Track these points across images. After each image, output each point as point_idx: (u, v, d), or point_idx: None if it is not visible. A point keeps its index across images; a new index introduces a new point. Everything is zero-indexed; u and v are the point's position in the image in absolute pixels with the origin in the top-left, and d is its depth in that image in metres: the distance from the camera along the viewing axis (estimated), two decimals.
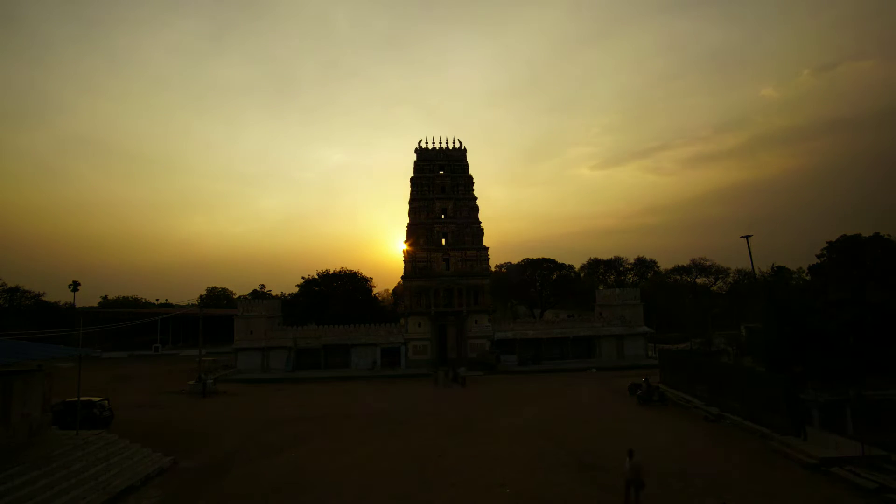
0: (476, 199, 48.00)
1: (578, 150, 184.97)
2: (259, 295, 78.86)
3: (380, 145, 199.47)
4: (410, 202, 47.47)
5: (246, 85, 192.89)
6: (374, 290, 71.90)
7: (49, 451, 15.21)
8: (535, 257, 74.08)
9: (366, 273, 67.39)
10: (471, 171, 48.67)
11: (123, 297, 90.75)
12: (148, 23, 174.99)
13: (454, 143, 49.17)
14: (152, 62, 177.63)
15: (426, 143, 48.86)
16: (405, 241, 46.84)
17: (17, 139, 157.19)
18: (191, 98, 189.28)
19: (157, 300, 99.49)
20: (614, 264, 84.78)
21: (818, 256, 59.41)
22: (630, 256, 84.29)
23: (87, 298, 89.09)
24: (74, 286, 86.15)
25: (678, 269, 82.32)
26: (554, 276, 73.56)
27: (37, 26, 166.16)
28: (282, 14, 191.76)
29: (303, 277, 66.02)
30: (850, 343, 25.67)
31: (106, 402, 23.65)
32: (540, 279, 72.91)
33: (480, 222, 47.46)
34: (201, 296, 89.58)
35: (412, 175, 48.14)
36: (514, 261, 76.74)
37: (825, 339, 24.54)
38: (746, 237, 38.76)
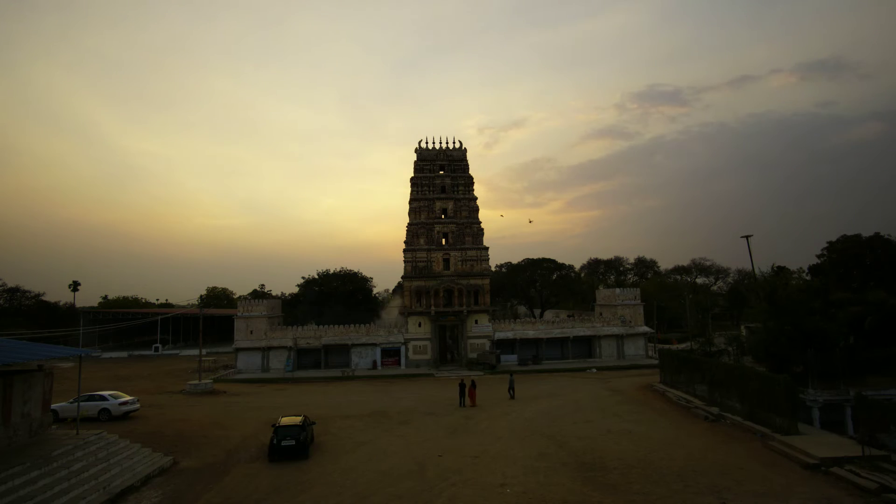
0: (476, 198, 47.96)
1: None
2: (259, 295, 78.87)
3: (380, 146, 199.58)
4: (410, 202, 47.43)
5: (250, 85, 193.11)
6: (374, 290, 72.01)
7: (49, 450, 15.23)
8: (535, 257, 74.12)
9: (366, 273, 67.56)
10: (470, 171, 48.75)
11: (124, 296, 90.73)
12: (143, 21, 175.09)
13: (454, 143, 49.12)
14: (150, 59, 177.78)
15: (426, 143, 48.81)
16: (405, 241, 46.81)
17: (18, 138, 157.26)
18: (192, 98, 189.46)
19: (158, 300, 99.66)
20: (614, 264, 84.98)
21: (818, 256, 59.61)
22: (630, 256, 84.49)
23: (88, 298, 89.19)
24: (74, 286, 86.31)
25: (678, 269, 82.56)
26: (554, 276, 73.59)
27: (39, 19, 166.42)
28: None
29: (303, 277, 66.25)
30: (850, 343, 25.70)
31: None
32: (540, 279, 72.92)
33: (480, 222, 47.45)
34: (201, 296, 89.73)
35: (412, 175, 48.11)
36: (514, 261, 76.85)
37: (825, 339, 24.53)
38: (746, 237, 38.68)
